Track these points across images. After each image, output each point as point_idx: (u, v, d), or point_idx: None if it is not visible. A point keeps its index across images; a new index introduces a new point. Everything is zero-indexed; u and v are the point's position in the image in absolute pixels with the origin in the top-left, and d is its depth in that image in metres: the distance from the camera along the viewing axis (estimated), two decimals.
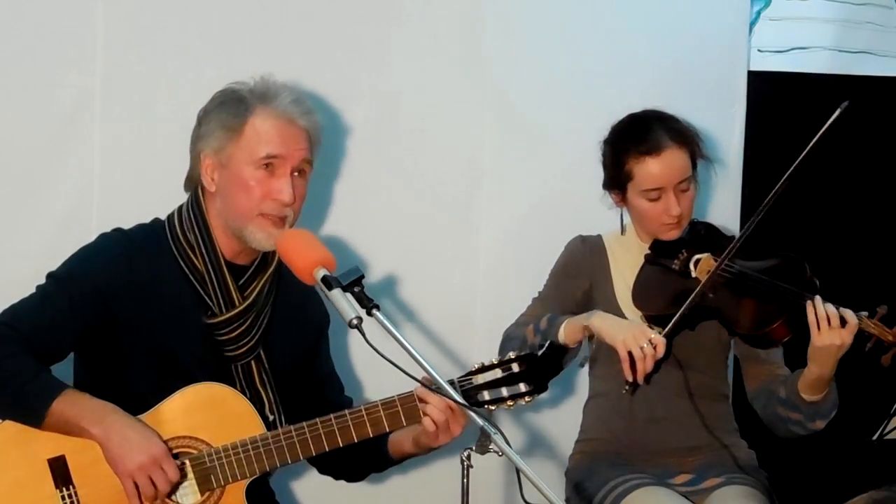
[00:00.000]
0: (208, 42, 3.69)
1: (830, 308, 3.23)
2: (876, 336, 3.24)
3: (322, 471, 3.32)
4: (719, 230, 3.56)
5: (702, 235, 3.52)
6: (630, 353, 3.24)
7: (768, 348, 3.45)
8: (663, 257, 3.48)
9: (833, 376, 3.29)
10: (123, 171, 3.66)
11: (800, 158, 3.31)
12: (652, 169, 3.42)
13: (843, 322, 3.22)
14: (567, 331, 3.33)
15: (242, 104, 3.05)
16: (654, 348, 3.24)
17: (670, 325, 3.31)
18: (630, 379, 3.26)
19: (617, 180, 3.49)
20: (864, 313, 3.25)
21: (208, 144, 3.07)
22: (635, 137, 3.45)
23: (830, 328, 3.21)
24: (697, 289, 3.34)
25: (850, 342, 3.22)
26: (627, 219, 3.58)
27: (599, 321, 3.33)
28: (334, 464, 3.22)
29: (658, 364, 3.30)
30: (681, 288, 3.40)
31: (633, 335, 3.26)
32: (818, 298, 3.25)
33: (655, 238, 3.51)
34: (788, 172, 3.29)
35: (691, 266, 3.44)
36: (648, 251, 3.52)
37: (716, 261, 3.38)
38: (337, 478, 3.34)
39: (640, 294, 3.47)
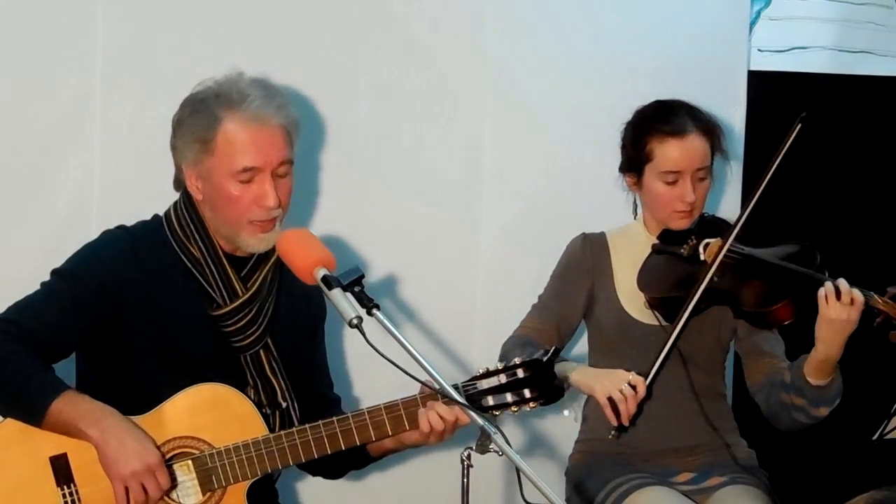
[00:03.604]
0: (208, 42, 3.69)
1: (842, 282, 3.25)
2: (886, 313, 3.25)
3: (310, 471, 3.32)
4: (728, 222, 3.58)
5: (711, 224, 3.54)
6: (610, 398, 3.25)
7: (771, 329, 3.46)
8: (672, 245, 3.50)
9: (838, 362, 3.29)
10: (123, 170, 3.66)
11: (766, 176, 3.38)
12: (673, 151, 3.45)
13: (852, 299, 3.23)
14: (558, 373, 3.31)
15: (211, 114, 3.01)
16: (634, 389, 3.25)
17: (686, 310, 3.33)
18: (615, 423, 3.27)
19: (635, 161, 3.51)
20: (872, 293, 3.27)
21: (185, 157, 3.06)
22: (660, 118, 3.48)
23: (839, 302, 3.22)
24: (711, 267, 3.35)
25: (856, 318, 3.23)
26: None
27: (577, 375, 3.36)
28: (319, 463, 3.19)
29: (660, 368, 3.33)
30: (688, 272, 3.42)
31: (610, 381, 3.28)
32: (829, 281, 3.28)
33: (665, 228, 3.52)
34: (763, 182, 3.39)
35: (700, 249, 3.46)
36: (656, 241, 3.53)
37: (725, 241, 3.39)
38: (324, 476, 3.33)
39: (646, 277, 3.48)
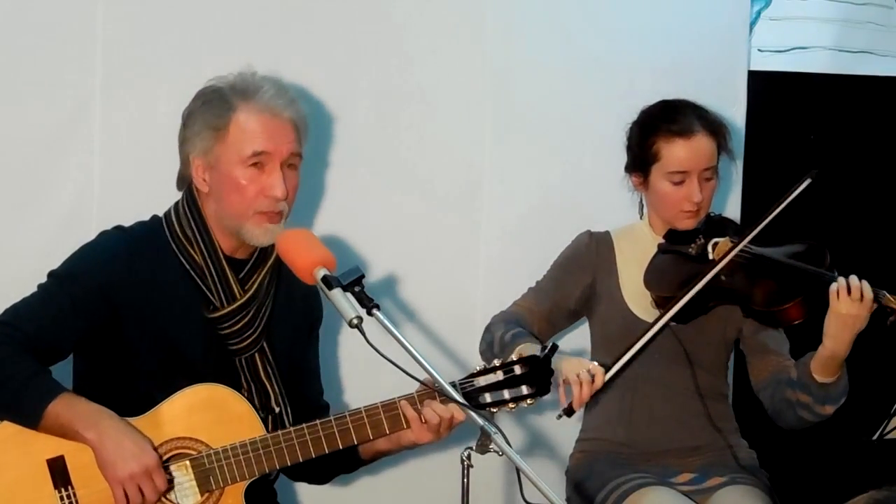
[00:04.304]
0: (208, 42, 3.69)
1: (853, 279, 3.25)
2: None
3: (293, 477, 3.31)
4: (734, 221, 3.57)
5: (718, 223, 3.54)
6: (566, 381, 3.25)
7: (780, 328, 3.46)
8: (679, 244, 3.49)
9: (845, 360, 3.28)
10: (123, 170, 3.66)
11: (765, 219, 3.38)
12: (680, 151, 3.44)
13: (862, 295, 3.23)
14: (520, 354, 3.29)
15: (225, 103, 3.04)
16: (593, 377, 3.24)
17: (684, 299, 3.33)
18: (564, 404, 3.26)
19: (642, 161, 3.50)
20: (885, 291, 3.27)
21: (195, 146, 3.06)
22: (667, 118, 3.48)
23: (850, 298, 3.22)
24: (718, 264, 3.35)
25: (865, 316, 3.23)
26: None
27: None
28: (307, 467, 3.18)
29: (663, 362, 3.36)
30: (695, 271, 3.41)
31: (571, 366, 3.27)
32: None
33: (671, 227, 3.52)
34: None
35: (709, 248, 3.45)
36: (663, 240, 3.53)
37: (733, 243, 3.39)
38: (308, 482, 3.34)
39: (653, 276, 3.48)
